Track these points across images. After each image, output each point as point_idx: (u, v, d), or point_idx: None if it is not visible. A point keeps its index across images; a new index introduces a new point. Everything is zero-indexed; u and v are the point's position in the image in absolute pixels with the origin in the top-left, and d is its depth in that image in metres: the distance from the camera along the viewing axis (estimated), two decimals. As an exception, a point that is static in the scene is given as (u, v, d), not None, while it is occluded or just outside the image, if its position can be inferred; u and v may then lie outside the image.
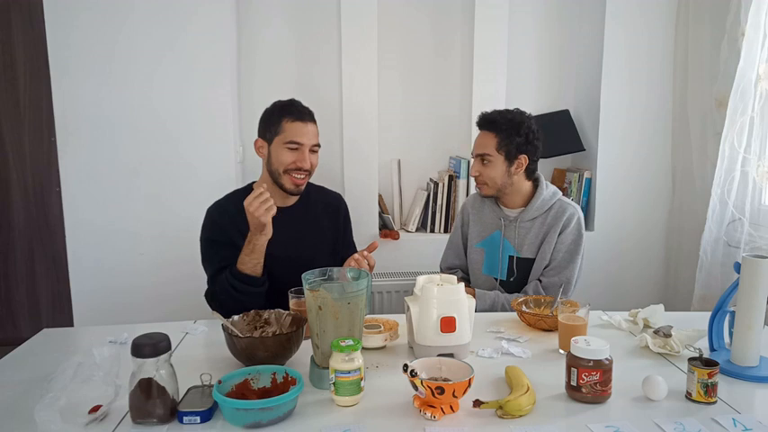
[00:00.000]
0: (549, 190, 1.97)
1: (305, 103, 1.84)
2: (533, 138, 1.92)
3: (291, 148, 1.75)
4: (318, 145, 1.82)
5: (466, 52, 2.84)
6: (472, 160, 1.99)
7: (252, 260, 1.63)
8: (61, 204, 2.54)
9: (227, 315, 1.40)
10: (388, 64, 2.82)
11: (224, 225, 1.76)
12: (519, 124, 1.90)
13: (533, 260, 1.94)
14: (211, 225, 1.79)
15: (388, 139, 2.88)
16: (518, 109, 1.96)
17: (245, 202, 1.57)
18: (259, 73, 2.77)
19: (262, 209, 1.56)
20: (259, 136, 1.83)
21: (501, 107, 2.02)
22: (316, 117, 1.83)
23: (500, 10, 2.73)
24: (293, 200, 1.87)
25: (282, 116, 1.77)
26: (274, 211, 1.58)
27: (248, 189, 1.87)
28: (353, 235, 2.04)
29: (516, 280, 1.96)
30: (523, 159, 1.91)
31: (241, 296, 1.63)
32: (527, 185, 1.97)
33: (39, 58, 2.80)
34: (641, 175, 2.82)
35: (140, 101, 2.50)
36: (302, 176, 1.78)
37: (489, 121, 1.93)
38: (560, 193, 2.00)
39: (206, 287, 1.77)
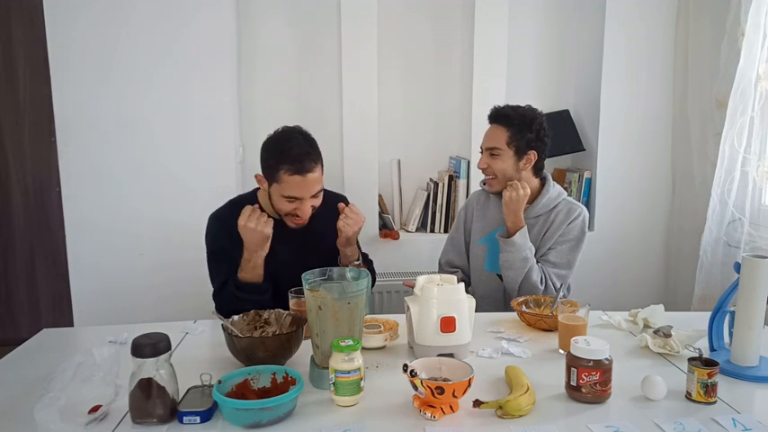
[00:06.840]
0: (555, 189, 1.98)
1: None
2: (544, 135, 1.93)
3: (290, 201, 1.64)
4: (322, 189, 1.69)
5: (466, 52, 2.84)
6: (479, 154, 1.98)
7: (254, 274, 1.64)
8: (61, 204, 2.54)
9: (227, 315, 1.40)
10: (388, 64, 2.82)
11: (223, 240, 1.72)
12: (531, 120, 1.90)
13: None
14: (212, 239, 1.77)
15: (388, 139, 2.88)
16: (529, 105, 1.96)
17: (240, 225, 1.57)
18: (259, 73, 2.77)
19: (261, 222, 1.57)
20: (261, 169, 1.70)
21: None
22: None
23: (500, 10, 2.73)
24: None
25: (279, 166, 1.60)
26: (272, 220, 1.60)
27: (252, 195, 1.83)
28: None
29: None
30: (532, 155, 1.91)
31: (245, 305, 1.56)
32: (534, 182, 1.97)
33: (39, 57, 2.79)
34: (641, 175, 2.83)
35: (140, 101, 2.50)
36: (302, 220, 1.70)
37: (502, 116, 1.93)
38: (565, 193, 2.00)
39: (206, 288, 1.76)
